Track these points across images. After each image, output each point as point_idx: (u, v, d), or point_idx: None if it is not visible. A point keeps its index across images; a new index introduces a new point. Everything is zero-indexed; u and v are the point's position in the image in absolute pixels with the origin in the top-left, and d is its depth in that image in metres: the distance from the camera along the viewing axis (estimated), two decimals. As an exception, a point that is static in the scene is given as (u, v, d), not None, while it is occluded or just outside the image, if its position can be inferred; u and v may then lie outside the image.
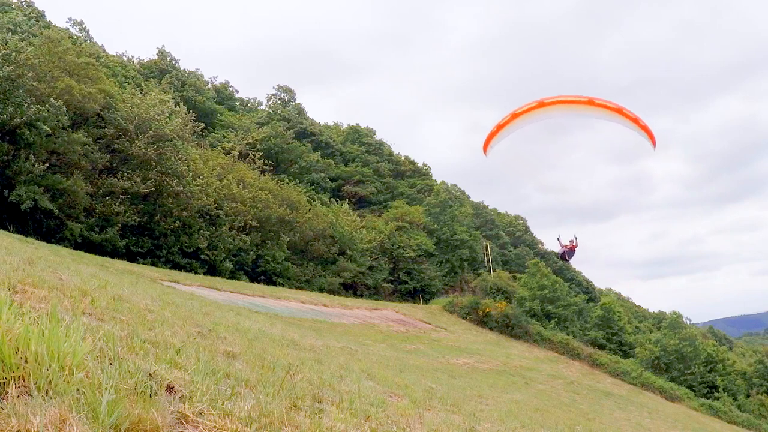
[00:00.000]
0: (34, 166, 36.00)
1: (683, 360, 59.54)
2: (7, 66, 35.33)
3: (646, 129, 17.82)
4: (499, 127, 18.56)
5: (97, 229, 40.33)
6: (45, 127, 36.54)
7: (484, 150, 19.36)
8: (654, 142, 18.01)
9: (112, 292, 9.33)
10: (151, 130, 44.38)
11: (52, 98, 37.36)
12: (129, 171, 43.18)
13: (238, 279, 47.88)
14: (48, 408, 2.76)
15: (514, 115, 18.12)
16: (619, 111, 17.40)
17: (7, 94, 35.62)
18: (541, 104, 17.65)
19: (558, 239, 24.42)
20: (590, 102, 17.48)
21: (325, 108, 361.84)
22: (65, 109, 38.16)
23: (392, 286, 69.28)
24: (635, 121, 17.62)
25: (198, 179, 48.25)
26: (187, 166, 47.69)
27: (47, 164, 37.31)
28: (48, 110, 36.69)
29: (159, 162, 44.51)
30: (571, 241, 24.24)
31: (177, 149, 47.27)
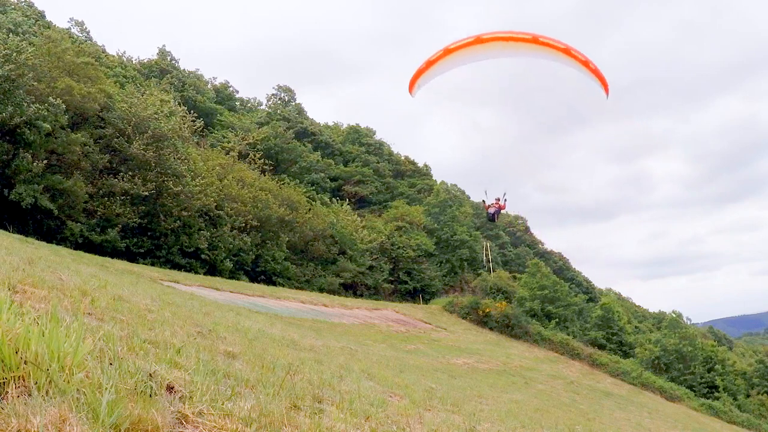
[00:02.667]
0: (33, 164, 36.01)
1: (683, 360, 59.54)
2: (7, 65, 35.35)
3: (597, 73, 16.02)
4: (429, 63, 16.35)
5: (98, 230, 40.35)
6: (45, 125, 36.56)
7: (410, 89, 17.16)
8: (606, 89, 16.21)
9: (112, 292, 9.33)
10: (149, 130, 44.35)
11: (51, 98, 37.36)
12: (129, 172, 43.17)
13: (238, 279, 47.89)
14: (48, 408, 2.76)
15: (447, 51, 16.07)
16: (567, 51, 15.60)
17: (7, 94, 35.63)
18: (479, 40, 15.72)
19: (484, 197, 22.34)
20: (534, 40, 15.62)
21: (325, 108, 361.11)
22: (64, 107, 38.16)
23: (392, 286, 69.28)
24: (585, 63, 15.83)
25: (198, 179, 48.24)
26: (187, 166, 47.67)
27: (47, 162, 37.33)
28: (47, 109, 36.70)
29: (158, 162, 44.49)
30: (497, 199, 22.35)
31: (177, 149, 47.26)
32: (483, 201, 22.29)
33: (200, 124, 57.39)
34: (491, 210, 22.50)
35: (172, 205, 45.30)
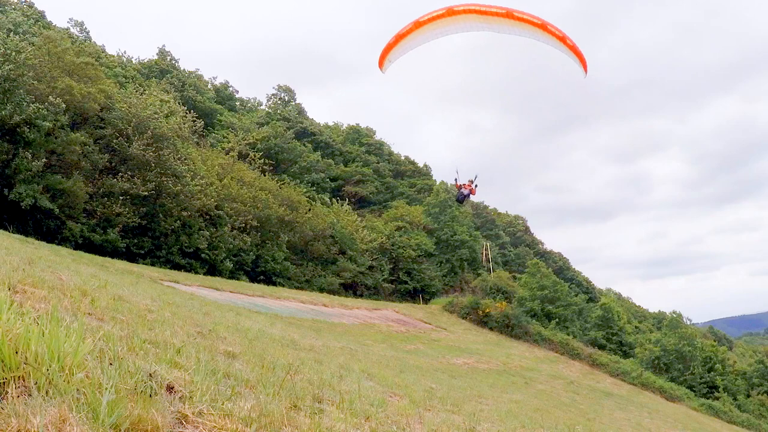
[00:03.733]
0: (32, 163, 36.02)
1: (683, 360, 59.56)
2: (7, 65, 35.35)
3: (575, 50, 15.30)
4: (399, 37, 15.65)
5: (98, 230, 40.33)
6: (45, 123, 36.56)
7: (380, 65, 16.42)
8: (585, 67, 15.53)
9: (112, 292, 9.33)
10: (149, 130, 44.32)
11: (51, 97, 37.35)
12: (128, 172, 43.16)
13: (238, 279, 47.88)
14: (48, 408, 2.76)
15: (417, 24, 15.40)
16: (543, 27, 14.92)
17: (7, 93, 35.64)
18: (450, 12, 15.05)
19: (456, 176, 21.12)
20: (508, 14, 14.84)
21: (325, 108, 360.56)
22: (64, 107, 38.17)
23: (392, 286, 69.27)
24: (562, 39, 15.11)
25: (198, 179, 48.22)
26: (187, 167, 47.64)
27: (46, 162, 37.33)
28: (47, 109, 36.72)
29: (158, 162, 44.46)
30: (471, 181, 21.28)
31: (177, 148, 47.23)
32: (455, 180, 21.36)
33: (200, 124, 57.34)
34: (464, 191, 21.71)
35: (172, 205, 45.28)
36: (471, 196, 21.89)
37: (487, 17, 14.98)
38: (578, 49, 15.33)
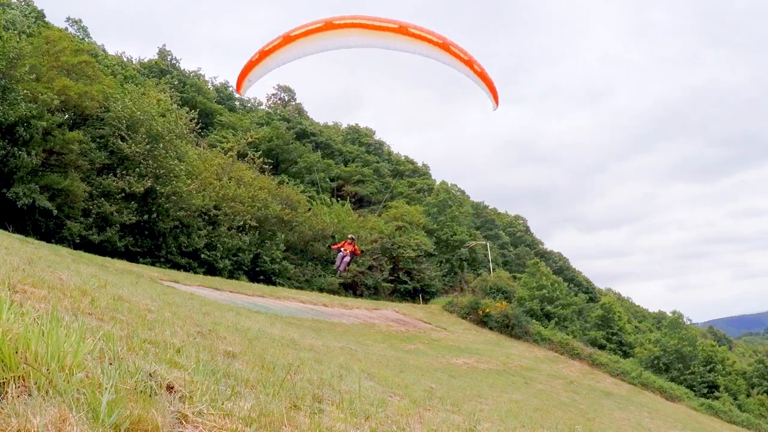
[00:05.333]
0: (29, 160, 36.01)
1: (683, 360, 59.57)
2: (3, 62, 35.37)
3: (484, 77, 13.04)
4: (264, 54, 13.37)
5: (95, 230, 40.29)
6: (41, 123, 36.56)
7: (238, 88, 14.32)
8: (496, 98, 13.29)
9: (112, 292, 9.34)
10: (142, 128, 44.18)
11: (47, 95, 37.33)
12: (125, 171, 43.10)
13: (237, 279, 47.88)
14: (48, 408, 2.76)
15: (288, 39, 13.09)
16: (445, 47, 12.68)
17: (5, 92, 35.64)
18: (330, 26, 12.86)
19: (332, 245, 18.21)
20: (402, 30, 12.66)
21: (325, 108, 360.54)
22: (61, 105, 38.17)
23: (392, 286, 69.26)
24: (469, 64, 12.88)
25: (195, 179, 48.14)
26: (185, 166, 47.57)
27: (44, 160, 37.33)
28: (44, 107, 36.73)
29: (156, 162, 44.39)
30: (352, 240, 18.99)
31: (175, 147, 47.12)
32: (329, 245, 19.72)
33: (194, 114, 54.93)
34: (346, 258, 18.83)
35: (170, 205, 45.22)
36: (355, 255, 19.33)
37: (376, 32, 12.78)
38: (488, 76, 13.09)
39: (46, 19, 63.40)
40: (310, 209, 62.48)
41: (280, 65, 13.66)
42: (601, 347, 57.26)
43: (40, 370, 3.04)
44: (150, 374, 3.75)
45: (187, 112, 53.14)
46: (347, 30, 12.83)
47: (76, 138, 39.88)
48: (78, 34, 71.02)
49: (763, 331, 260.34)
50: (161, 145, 45.10)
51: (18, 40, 38.35)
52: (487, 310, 50.75)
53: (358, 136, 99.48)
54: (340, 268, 19.79)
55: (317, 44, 13.14)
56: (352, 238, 19.36)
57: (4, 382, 2.92)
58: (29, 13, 58.82)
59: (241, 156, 63.64)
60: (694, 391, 50.85)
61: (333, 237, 63.08)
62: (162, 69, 79.03)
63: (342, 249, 19.12)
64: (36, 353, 3.13)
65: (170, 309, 10.49)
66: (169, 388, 3.70)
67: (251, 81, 13.96)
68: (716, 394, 54.16)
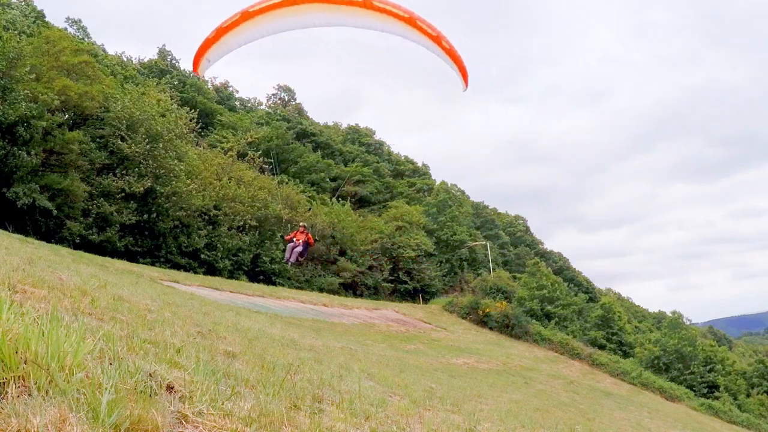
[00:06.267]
0: (29, 160, 36.01)
1: (683, 360, 59.59)
2: (3, 62, 35.38)
3: (453, 55, 12.13)
4: (221, 31, 12.64)
5: (95, 230, 40.30)
6: (41, 123, 36.56)
7: (195, 68, 13.44)
8: (466, 78, 12.49)
9: (112, 292, 9.33)
10: (142, 128, 44.17)
11: (47, 95, 37.34)
12: (125, 171, 43.09)
13: (237, 279, 47.87)
14: (48, 408, 2.76)
15: (246, 15, 12.42)
16: (411, 22, 11.85)
17: (6, 92, 35.65)
18: (291, 0, 12.16)
19: (286, 236, 17.35)
20: (366, 4, 11.90)
21: (325, 108, 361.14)
22: (58, 103, 38.15)
23: (392, 286, 69.27)
24: (436, 40, 12.02)
25: (195, 179, 48.11)
26: (184, 166, 47.55)
27: (43, 159, 37.31)
28: (43, 106, 36.74)
29: (155, 161, 44.37)
30: (304, 227, 18.09)
31: (175, 147, 47.11)
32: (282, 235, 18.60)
33: (194, 114, 54.92)
34: (298, 248, 17.83)
35: (169, 205, 45.22)
36: (309, 245, 18.62)
37: (339, 7, 12.12)
38: (457, 53, 12.16)
39: (46, 19, 63.32)
40: (310, 209, 62.47)
41: (242, 44, 12.88)
42: (601, 347, 57.26)
43: (40, 370, 3.04)
44: (150, 374, 3.75)
45: (187, 112, 53.09)
46: (309, 5, 12.21)
47: (76, 138, 39.88)
48: (78, 34, 70.93)
49: (763, 331, 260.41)
50: (161, 145, 45.04)
51: (18, 40, 38.35)
52: (487, 310, 50.75)
53: (358, 136, 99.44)
54: (291, 260, 18.90)
55: (278, 22, 12.53)
56: (304, 226, 18.65)
57: (4, 382, 2.92)
58: (29, 13, 58.75)
59: (241, 156, 63.62)
60: (694, 391, 50.85)
61: (333, 237, 63.11)
62: (162, 69, 78.95)
63: (294, 239, 18.35)
64: (36, 353, 3.13)
65: (170, 309, 10.49)
66: (169, 388, 3.70)
67: (210, 61, 13.09)
68: (716, 394, 54.17)
